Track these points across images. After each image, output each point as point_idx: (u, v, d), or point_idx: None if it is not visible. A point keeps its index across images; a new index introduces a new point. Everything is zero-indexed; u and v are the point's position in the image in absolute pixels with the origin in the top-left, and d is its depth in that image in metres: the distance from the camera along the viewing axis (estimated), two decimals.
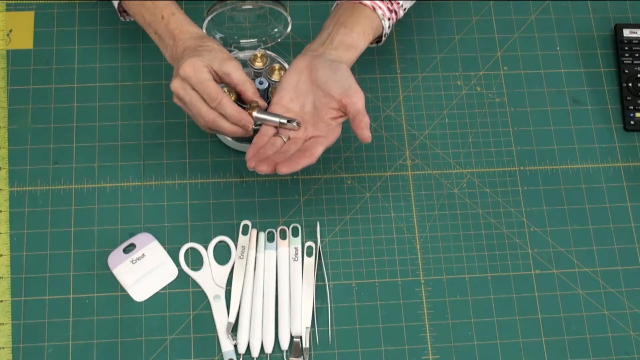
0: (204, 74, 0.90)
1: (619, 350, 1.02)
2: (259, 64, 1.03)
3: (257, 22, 1.05)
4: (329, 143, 0.92)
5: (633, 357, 1.02)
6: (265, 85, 1.03)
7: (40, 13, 1.14)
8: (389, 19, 0.98)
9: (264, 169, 0.87)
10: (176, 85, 0.92)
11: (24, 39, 1.12)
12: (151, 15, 0.96)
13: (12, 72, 1.10)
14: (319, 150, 0.90)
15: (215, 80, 0.92)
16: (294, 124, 0.92)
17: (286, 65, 1.04)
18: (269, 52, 1.04)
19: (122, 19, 1.04)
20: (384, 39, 1.00)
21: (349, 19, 0.96)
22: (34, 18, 1.13)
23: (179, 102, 0.94)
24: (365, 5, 0.97)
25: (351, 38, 0.95)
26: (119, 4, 1.01)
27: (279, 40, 1.06)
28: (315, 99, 0.93)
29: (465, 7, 1.19)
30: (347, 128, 1.09)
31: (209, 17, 0.99)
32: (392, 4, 0.97)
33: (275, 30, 1.05)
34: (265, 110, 0.94)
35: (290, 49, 1.14)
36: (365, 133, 0.89)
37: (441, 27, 1.17)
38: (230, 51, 1.05)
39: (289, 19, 1.01)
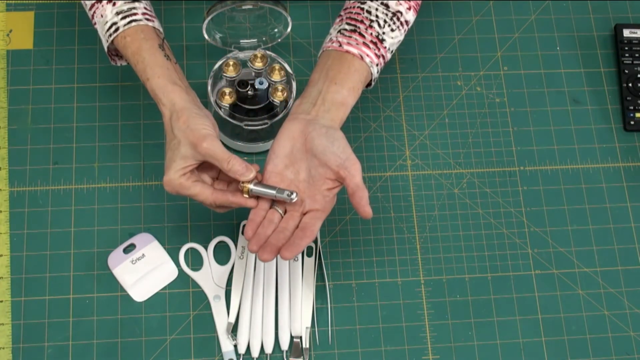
0: (182, 188, 0.89)
1: (619, 350, 1.02)
2: (259, 64, 1.03)
3: (257, 22, 1.05)
4: (325, 216, 0.89)
5: (633, 358, 1.02)
6: (265, 85, 1.03)
7: (40, 13, 1.14)
8: (377, 65, 0.94)
9: (267, 257, 0.85)
10: (171, 192, 0.91)
11: (24, 39, 1.12)
12: (138, 73, 0.94)
13: (12, 72, 1.10)
14: (317, 227, 0.88)
15: (196, 172, 0.91)
16: (293, 196, 0.88)
17: (286, 66, 1.04)
18: (269, 52, 1.04)
19: (113, 63, 1.01)
20: (373, 83, 0.97)
21: (338, 75, 0.92)
22: (34, 18, 1.13)
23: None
24: (353, 55, 0.93)
25: (342, 95, 0.91)
26: (109, 49, 0.98)
27: (279, 40, 1.06)
28: (311, 167, 0.89)
29: (465, 7, 1.19)
30: (344, 128, 1.09)
31: (209, 17, 0.98)
32: (378, 49, 0.94)
33: (275, 30, 1.05)
34: (260, 183, 0.90)
35: (290, 49, 1.14)
36: (366, 210, 0.87)
37: (441, 27, 1.17)
38: (230, 51, 1.05)
39: (289, 19, 1.01)
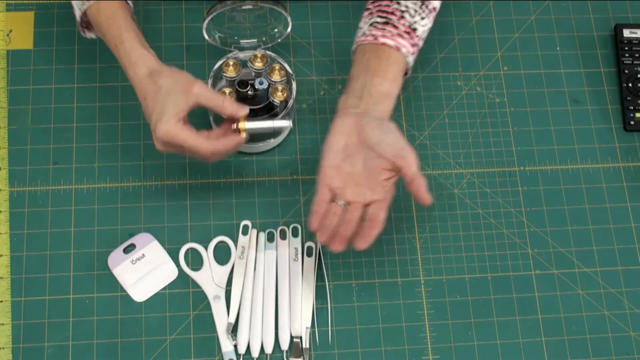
0: (179, 135, 0.90)
1: (619, 350, 1.02)
2: (259, 64, 1.03)
3: (257, 22, 1.05)
4: (387, 205, 0.92)
5: (633, 358, 1.02)
6: (265, 85, 1.03)
7: (40, 13, 1.14)
8: (412, 54, 0.97)
9: (339, 248, 0.89)
10: (160, 147, 0.92)
11: (24, 39, 1.12)
12: (107, 42, 0.96)
13: (12, 72, 1.10)
14: (383, 215, 0.91)
15: (187, 122, 0.92)
16: (289, 122, 0.91)
17: (286, 66, 1.04)
18: (269, 52, 1.04)
19: (82, 34, 1.02)
20: (409, 72, 0.99)
21: (379, 67, 0.94)
22: (34, 18, 1.13)
23: (171, 151, 0.94)
24: (390, 47, 0.95)
25: (385, 87, 0.94)
26: (82, 20, 0.99)
27: (279, 40, 1.06)
28: (367, 159, 0.92)
29: (465, 7, 1.19)
30: None
31: (209, 17, 0.99)
32: (412, 39, 0.96)
33: (275, 30, 1.05)
34: (252, 118, 0.91)
35: (290, 49, 1.14)
36: (426, 197, 0.90)
37: (441, 27, 1.17)
38: (230, 51, 1.05)
39: (289, 19, 1.01)
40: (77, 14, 0.98)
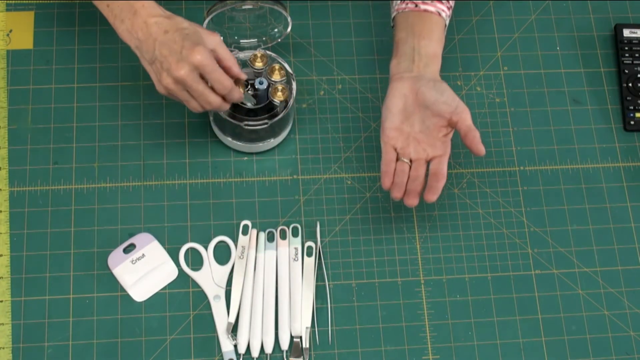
0: (214, 62, 0.91)
1: (619, 350, 1.02)
2: (259, 64, 1.03)
3: (257, 22, 1.05)
4: (448, 158, 0.98)
5: (633, 357, 1.02)
6: (265, 85, 1.03)
7: (40, 13, 1.14)
8: (449, 16, 1.03)
9: (413, 202, 0.96)
10: (187, 74, 0.90)
11: (24, 39, 1.12)
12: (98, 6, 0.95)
13: (12, 72, 1.10)
14: (445, 169, 0.98)
15: None
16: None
17: (286, 66, 1.04)
18: (269, 52, 1.04)
19: None
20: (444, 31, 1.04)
21: (424, 30, 1.00)
22: (34, 18, 1.13)
23: (179, 89, 0.92)
24: (431, 12, 1.01)
25: (433, 49, 1.00)
26: None
27: (279, 40, 1.06)
28: (424, 118, 0.98)
29: (465, 7, 1.19)
30: (345, 128, 1.09)
31: (209, 17, 0.98)
32: (448, 2, 1.02)
33: (275, 30, 1.05)
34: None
35: (290, 49, 1.14)
36: (480, 147, 0.96)
37: None
38: (231, 51, 1.05)
39: (289, 19, 1.01)
40: None
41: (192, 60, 0.89)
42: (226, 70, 0.95)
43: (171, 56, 0.90)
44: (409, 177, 0.98)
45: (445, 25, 1.03)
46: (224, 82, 0.93)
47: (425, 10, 1.01)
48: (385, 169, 0.98)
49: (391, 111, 0.99)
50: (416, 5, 1.01)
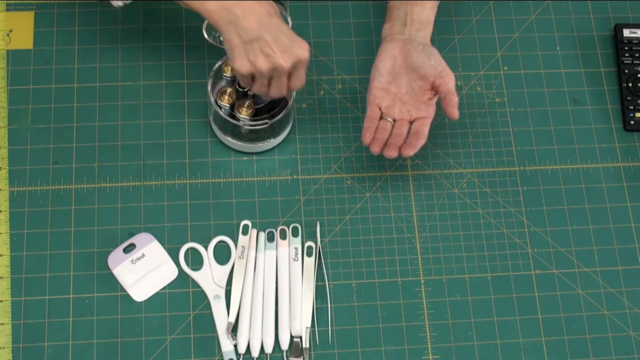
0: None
1: (619, 350, 1.02)
2: None
3: None
4: (430, 121, 1.01)
5: (633, 357, 1.02)
6: None
7: (40, 13, 1.14)
8: None
9: (392, 153, 0.98)
10: (289, 66, 0.91)
11: (24, 39, 1.12)
12: None
13: (12, 72, 1.10)
14: (427, 130, 1.00)
15: None
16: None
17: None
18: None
19: (114, 3, 1.00)
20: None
21: None
22: (34, 18, 1.13)
23: (268, 75, 0.93)
24: None
25: (426, 14, 1.03)
26: None
27: None
28: (411, 80, 1.01)
29: (465, 7, 1.19)
30: (345, 128, 1.09)
31: None
32: None
33: None
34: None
35: None
36: (454, 111, 0.98)
37: (441, 27, 1.17)
38: None
39: (289, 19, 1.01)
40: None
41: (300, 57, 0.92)
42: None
43: (276, 44, 0.90)
44: (390, 134, 1.01)
45: None
46: (300, 83, 0.95)
47: None
48: (368, 124, 1.01)
49: (379, 71, 1.01)
50: None
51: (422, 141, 1.00)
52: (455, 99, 0.99)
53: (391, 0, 1.05)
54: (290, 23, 1.01)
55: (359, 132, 1.10)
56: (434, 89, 1.00)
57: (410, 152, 0.99)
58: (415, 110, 1.01)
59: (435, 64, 0.99)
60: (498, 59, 1.16)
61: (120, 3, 0.99)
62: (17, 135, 1.07)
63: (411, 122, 1.02)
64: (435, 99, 1.01)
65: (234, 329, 0.99)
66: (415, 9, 1.03)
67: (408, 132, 1.01)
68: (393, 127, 1.02)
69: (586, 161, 1.12)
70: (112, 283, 1.01)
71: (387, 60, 1.01)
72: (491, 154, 1.11)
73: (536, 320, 1.03)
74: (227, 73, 1.03)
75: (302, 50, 0.91)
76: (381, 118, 1.02)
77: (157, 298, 1.01)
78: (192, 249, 1.04)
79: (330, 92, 1.13)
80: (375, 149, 1.00)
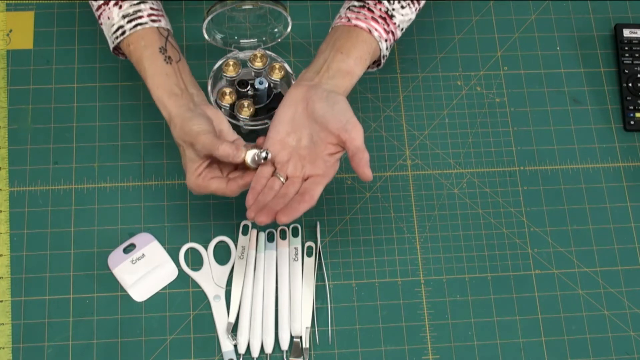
0: (204, 189, 0.91)
1: (619, 350, 1.02)
2: (258, 64, 1.03)
3: (257, 22, 1.05)
4: (327, 181, 0.88)
5: (633, 357, 1.02)
6: (265, 85, 1.03)
7: (40, 13, 1.14)
8: (386, 41, 0.95)
9: (263, 219, 0.84)
10: (196, 194, 0.93)
11: (24, 39, 1.12)
12: (143, 78, 0.95)
13: (12, 72, 1.10)
14: (318, 192, 0.87)
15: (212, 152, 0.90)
16: (263, 154, 0.89)
17: (286, 66, 1.04)
18: (268, 52, 1.04)
19: (122, 57, 1.01)
20: (383, 61, 0.97)
21: (345, 44, 0.93)
22: (34, 18, 1.13)
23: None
24: (361, 28, 0.93)
25: (347, 65, 0.92)
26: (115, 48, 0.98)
27: (279, 40, 1.06)
28: (312, 132, 0.89)
29: (465, 7, 1.19)
30: None
31: (209, 17, 0.98)
32: (388, 25, 0.94)
33: (275, 30, 1.05)
34: (254, 145, 0.92)
35: (290, 49, 1.14)
36: (366, 172, 0.86)
37: (441, 27, 1.17)
38: (230, 51, 1.05)
39: (289, 19, 1.01)
40: (110, 46, 0.98)
41: (189, 188, 0.92)
42: (221, 159, 0.90)
43: (182, 163, 0.93)
44: (276, 194, 0.89)
45: (379, 46, 0.94)
46: (225, 194, 0.91)
47: (356, 26, 0.94)
48: (253, 185, 0.89)
49: (278, 120, 0.90)
50: (349, 20, 0.94)
51: (306, 205, 0.85)
52: (365, 157, 0.85)
53: (320, 46, 0.95)
54: (290, 23, 1.01)
55: None
56: (340, 144, 0.88)
57: (285, 218, 0.84)
58: (310, 166, 0.89)
59: (339, 115, 0.87)
60: (498, 59, 1.16)
61: None
62: (17, 135, 1.07)
63: (305, 180, 0.89)
64: (339, 156, 0.89)
65: (234, 329, 0.99)
66: (337, 57, 0.92)
67: None
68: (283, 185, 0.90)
69: (586, 161, 1.12)
70: (112, 283, 1.01)
71: (288, 108, 0.90)
72: (491, 154, 1.11)
73: (536, 320, 1.03)
74: (227, 73, 1.03)
75: (187, 182, 0.90)
76: (273, 174, 0.90)
77: (157, 298, 1.01)
78: (192, 249, 1.04)
79: None
80: (250, 214, 0.86)
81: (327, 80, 0.91)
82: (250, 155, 0.90)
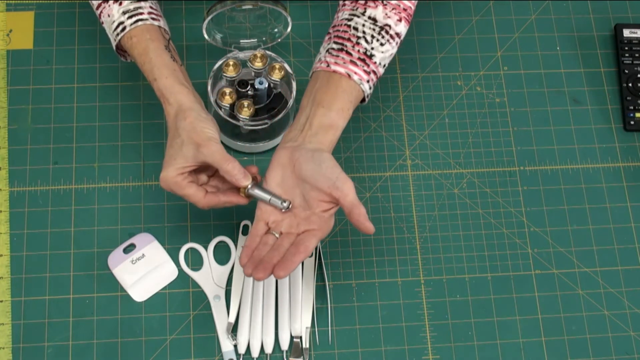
0: (178, 189, 0.90)
1: (619, 350, 1.02)
2: (258, 64, 1.03)
3: (257, 22, 1.05)
4: (323, 235, 0.88)
5: (633, 357, 1.02)
6: (265, 85, 1.03)
7: (40, 13, 1.14)
8: (367, 81, 0.93)
9: (261, 276, 0.84)
10: (165, 189, 0.91)
11: (24, 39, 1.12)
12: (145, 74, 0.95)
13: (12, 72, 1.10)
14: (313, 243, 0.87)
15: (193, 172, 0.91)
16: (286, 204, 0.88)
17: (286, 66, 1.04)
18: (268, 52, 1.04)
19: (122, 59, 1.01)
20: (367, 99, 0.96)
21: (325, 97, 0.91)
22: (34, 18, 1.13)
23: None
24: (341, 74, 0.91)
25: (330, 118, 0.90)
26: (117, 46, 0.98)
27: (279, 40, 1.06)
28: (304, 192, 0.89)
29: (465, 7, 1.19)
30: (346, 128, 1.09)
31: (209, 17, 0.98)
32: (367, 66, 0.92)
33: (275, 30, 1.05)
34: (258, 185, 0.90)
35: (290, 49, 1.14)
36: (367, 225, 0.86)
37: (441, 27, 1.17)
38: (230, 51, 1.05)
39: (289, 19, 1.01)
40: (112, 43, 0.97)
41: (160, 181, 0.91)
42: (226, 176, 0.89)
43: (167, 153, 0.92)
44: (271, 247, 0.88)
45: (363, 91, 0.93)
46: (196, 203, 0.90)
47: (335, 72, 0.91)
48: (247, 243, 0.88)
49: (268, 183, 0.90)
50: (328, 65, 0.92)
51: (300, 257, 0.85)
52: (362, 212, 0.86)
53: (302, 99, 0.93)
54: (290, 23, 1.01)
55: (358, 132, 1.11)
56: (333, 201, 0.88)
57: (282, 273, 0.84)
58: (305, 223, 0.88)
59: (327, 173, 0.86)
60: (498, 59, 1.16)
61: None
62: (17, 135, 1.07)
63: (299, 234, 0.88)
64: (333, 212, 0.89)
65: (234, 329, 0.99)
66: (318, 111, 0.90)
67: None
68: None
69: (586, 161, 1.12)
70: (112, 283, 1.01)
71: (275, 171, 0.89)
72: (491, 154, 1.11)
73: (536, 320, 1.03)
74: (227, 73, 1.03)
75: (161, 174, 0.90)
76: (267, 232, 0.90)
77: (157, 298, 1.01)
78: (192, 249, 1.04)
79: None
80: (247, 271, 0.86)
81: (310, 139, 0.90)
82: (270, 200, 0.89)
